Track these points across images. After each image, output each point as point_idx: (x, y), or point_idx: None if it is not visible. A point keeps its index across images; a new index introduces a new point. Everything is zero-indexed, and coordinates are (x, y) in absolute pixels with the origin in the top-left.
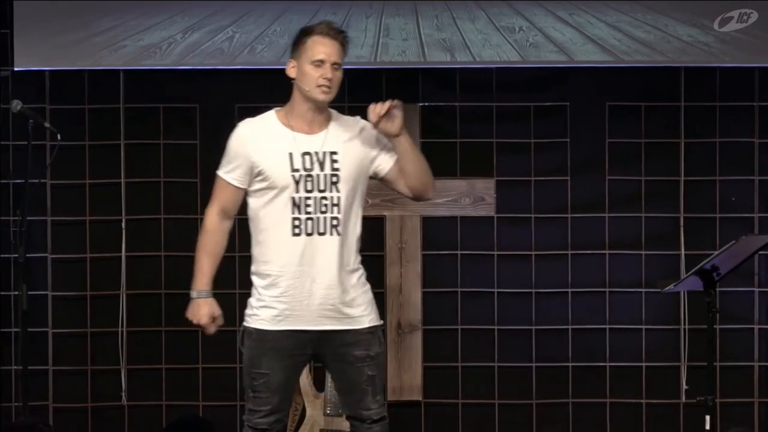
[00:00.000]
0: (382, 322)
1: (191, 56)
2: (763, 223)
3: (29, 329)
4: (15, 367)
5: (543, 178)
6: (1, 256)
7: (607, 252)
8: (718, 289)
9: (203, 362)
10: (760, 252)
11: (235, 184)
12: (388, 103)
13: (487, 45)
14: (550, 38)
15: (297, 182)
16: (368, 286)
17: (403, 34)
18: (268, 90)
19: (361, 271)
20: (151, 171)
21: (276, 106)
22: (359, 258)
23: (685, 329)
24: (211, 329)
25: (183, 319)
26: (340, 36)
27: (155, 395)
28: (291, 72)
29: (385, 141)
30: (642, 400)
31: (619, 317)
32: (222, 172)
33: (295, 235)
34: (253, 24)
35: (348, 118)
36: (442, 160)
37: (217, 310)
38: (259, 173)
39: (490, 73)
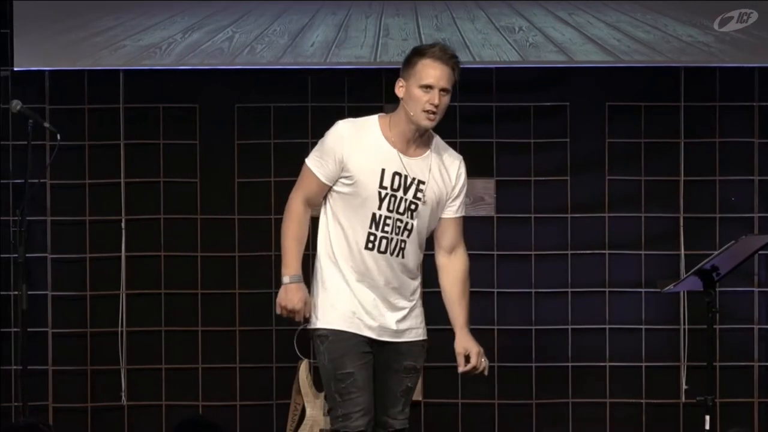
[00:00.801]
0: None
1: (191, 56)
2: (762, 223)
3: (29, 329)
4: (15, 367)
5: (543, 178)
6: (1, 256)
7: (606, 252)
8: (717, 289)
9: (203, 362)
10: (759, 252)
11: (322, 179)
12: (483, 368)
13: (487, 45)
14: (549, 38)
15: (381, 199)
16: (421, 301)
17: (403, 34)
18: (268, 90)
19: (419, 290)
20: (151, 171)
21: (276, 106)
22: (419, 277)
23: (684, 329)
24: (301, 316)
25: (183, 319)
26: (451, 61)
27: (155, 395)
28: (399, 92)
29: (462, 197)
30: (642, 400)
31: (619, 317)
32: (311, 163)
33: (367, 249)
34: (253, 24)
35: (447, 150)
36: None
37: (308, 296)
38: (348, 177)
39: (490, 73)
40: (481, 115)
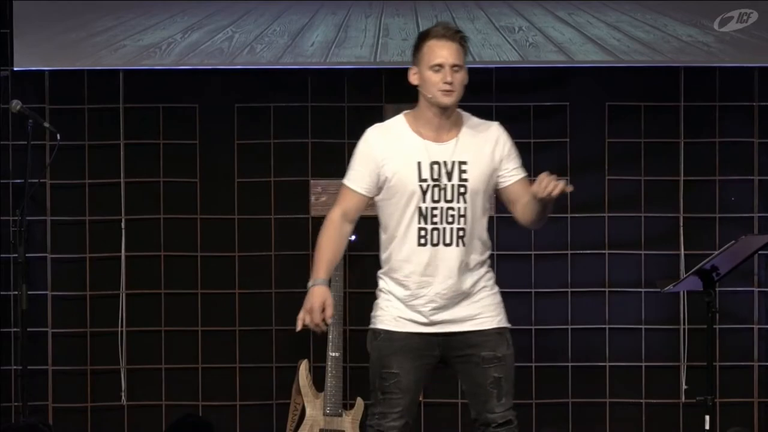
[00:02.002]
0: (509, 325)
1: (191, 56)
2: (762, 223)
3: (29, 329)
4: (15, 367)
5: None
6: (1, 256)
7: (606, 252)
8: (717, 289)
9: (203, 362)
10: (759, 252)
11: (361, 192)
12: (565, 187)
13: (487, 45)
14: (549, 38)
15: (424, 192)
16: (496, 288)
17: (402, 34)
18: (268, 90)
19: (489, 274)
20: (151, 171)
21: (275, 106)
22: (487, 262)
23: (684, 329)
24: (317, 316)
25: (183, 319)
26: (457, 36)
27: (155, 395)
28: (413, 79)
29: (514, 157)
30: (642, 400)
31: (619, 317)
32: (348, 181)
33: (420, 245)
34: (253, 24)
35: (480, 123)
36: None
37: (330, 300)
38: (387, 180)
39: (490, 73)
40: (481, 115)
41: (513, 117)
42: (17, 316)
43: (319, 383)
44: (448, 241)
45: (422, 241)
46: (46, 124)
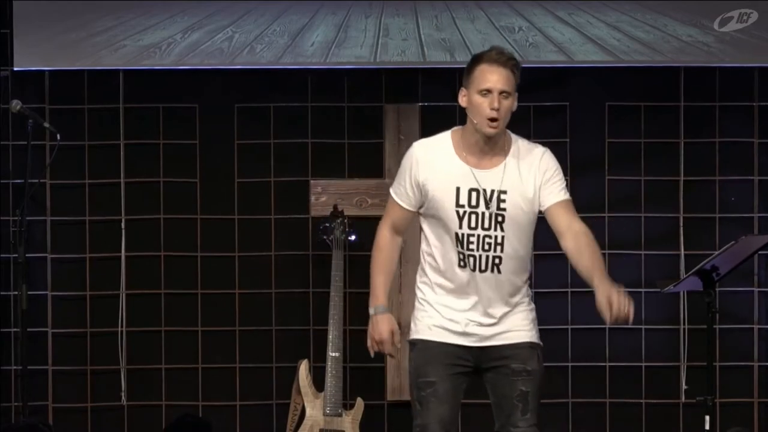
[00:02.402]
0: (541, 343)
1: (191, 56)
2: (762, 223)
3: (29, 329)
4: (15, 367)
5: None
6: (1, 256)
7: (606, 252)
8: (717, 289)
9: (203, 362)
10: (759, 252)
11: (404, 205)
12: (628, 313)
13: (487, 45)
14: (549, 38)
15: (461, 218)
16: (533, 305)
17: (402, 34)
18: (268, 90)
19: (526, 290)
20: (151, 171)
21: (275, 106)
22: (526, 285)
23: (684, 329)
24: (389, 347)
25: (183, 319)
26: (509, 63)
27: (155, 395)
28: (462, 102)
29: (556, 180)
30: (642, 400)
31: None
32: (393, 192)
33: (461, 267)
34: (253, 24)
35: (531, 150)
36: None
37: (395, 326)
38: (427, 198)
39: None
40: None
41: (513, 117)
42: (17, 316)
43: (319, 383)
44: (483, 267)
45: (461, 263)
46: (46, 124)
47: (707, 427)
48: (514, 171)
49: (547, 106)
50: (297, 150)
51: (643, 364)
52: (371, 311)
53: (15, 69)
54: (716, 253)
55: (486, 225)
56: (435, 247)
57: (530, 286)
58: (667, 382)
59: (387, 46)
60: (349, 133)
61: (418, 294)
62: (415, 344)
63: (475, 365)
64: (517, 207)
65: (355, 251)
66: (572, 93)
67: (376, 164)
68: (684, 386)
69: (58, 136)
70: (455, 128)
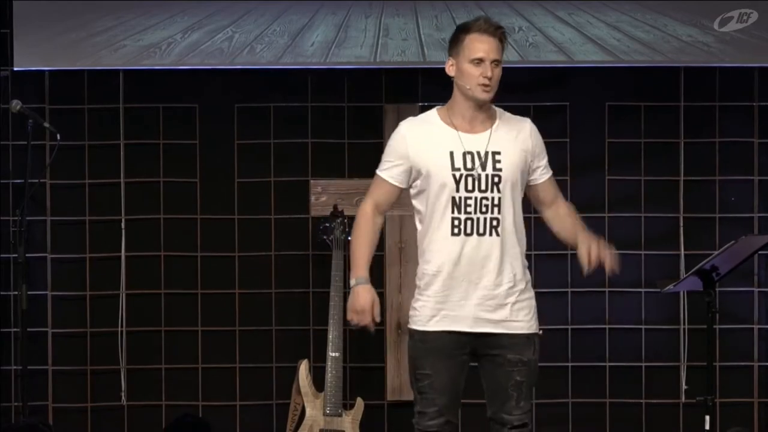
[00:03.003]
0: (540, 331)
1: (191, 56)
2: (762, 223)
3: (29, 329)
4: (15, 367)
5: None
6: (1, 256)
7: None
8: (717, 289)
9: (203, 362)
10: (759, 252)
11: (392, 182)
12: (609, 264)
13: None
14: (549, 38)
15: (457, 181)
16: (532, 292)
17: (402, 34)
18: (268, 90)
19: (525, 276)
20: (151, 171)
21: (275, 106)
22: (524, 263)
23: (684, 329)
24: (368, 318)
25: (183, 319)
26: (498, 32)
27: (155, 395)
28: (450, 70)
29: (544, 155)
30: (642, 400)
31: (619, 317)
32: (380, 170)
33: (453, 234)
34: (253, 24)
35: (514, 118)
36: None
37: (376, 297)
38: (420, 173)
39: None
40: None
41: None
42: (17, 316)
43: (319, 383)
44: (481, 231)
45: (455, 231)
46: (46, 124)
47: (707, 427)
48: (505, 134)
49: (547, 106)
50: (297, 150)
51: (643, 364)
52: (352, 282)
53: (15, 69)
54: (716, 253)
55: (483, 187)
56: (429, 222)
57: (528, 268)
58: (667, 382)
59: (387, 46)
60: (349, 133)
61: (419, 280)
62: (413, 335)
63: (473, 352)
64: (511, 168)
65: None
66: (572, 93)
67: (376, 164)
68: (684, 386)
69: (58, 136)
70: (438, 107)
